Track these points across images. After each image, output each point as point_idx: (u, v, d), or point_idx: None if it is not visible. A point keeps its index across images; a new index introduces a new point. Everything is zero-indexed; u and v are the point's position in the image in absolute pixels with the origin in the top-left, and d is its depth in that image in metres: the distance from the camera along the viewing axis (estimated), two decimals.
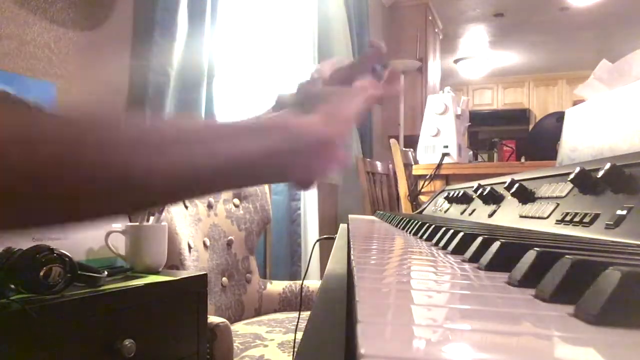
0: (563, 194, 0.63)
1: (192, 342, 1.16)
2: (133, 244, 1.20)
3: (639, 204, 0.47)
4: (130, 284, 1.03)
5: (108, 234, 1.16)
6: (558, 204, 0.62)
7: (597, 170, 0.54)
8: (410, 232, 0.70)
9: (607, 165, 0.52)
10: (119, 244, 1.20)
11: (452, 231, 0.48)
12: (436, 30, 4.96)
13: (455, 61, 6.71)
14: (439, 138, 2.86)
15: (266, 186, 1.93)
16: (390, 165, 3.10)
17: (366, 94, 0.48)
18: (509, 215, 0.78)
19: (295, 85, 0.51)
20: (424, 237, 0.58)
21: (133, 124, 0.37)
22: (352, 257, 0.38)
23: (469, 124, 3.23)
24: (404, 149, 3.05)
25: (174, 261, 1.40)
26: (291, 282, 1.98)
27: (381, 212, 1.61)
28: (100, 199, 0.34)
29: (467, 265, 0.36)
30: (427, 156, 2.87)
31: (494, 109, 7.24)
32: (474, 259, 0.37)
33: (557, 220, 0.60)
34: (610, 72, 1.02)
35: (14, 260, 0.82)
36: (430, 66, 4.62)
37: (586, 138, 0.89)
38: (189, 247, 1.50)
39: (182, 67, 1.72)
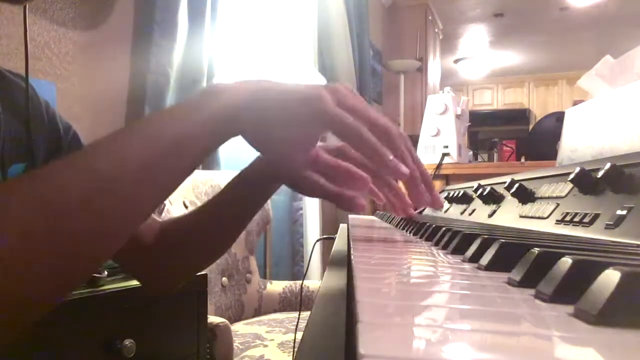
0: (563, 194, 0.63)
1: (192, 342, 1.16)
2: None
3: (639, 204, 0.47)
4: (131, 284, 1.03)
5: None
6: (558, 204, 0.62)
7: (597, 170, 0.54)
8: (410, 232, 0.70)
9: (607, 165, 0.52)
10: None
11: (452, 231, 0.48)
12: (436, 30, 4.96)
13: (455, 61, 6.72)
14: (439, 138, 2.86)
15: None
16: None
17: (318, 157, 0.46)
18: (509, 215, 0.78)
19: None
20: (424, 237, 0.58)
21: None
22: (352, 257, 0.38)
23: (469, 124, 3.23)
24: None
25: None
26: (291, 282, 1.98)
27: (381, 212, 1.61)
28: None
29: (467, 265, 0.36)
30: (427, 156, 2.87)
31: (494, 109, 7.24)
32: (474, 259, 0.37)
33: (557, 220, 0.60)
34: (612, 68, 1.02)
35: None
36: (430, 66, 4.62)
37: (586, 138, 0.89)
38: None
39: (182, 67, 1.73)
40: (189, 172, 0.41)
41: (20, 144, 0.65)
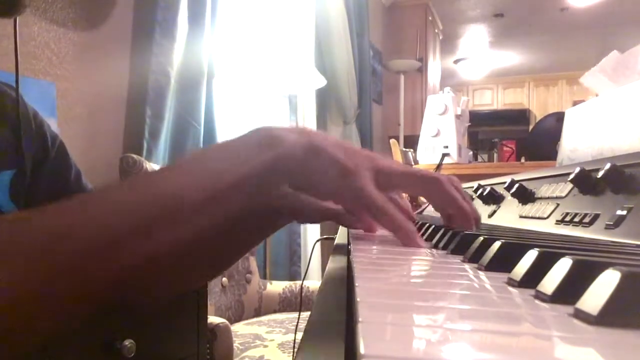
0: (563, 194, 0.63)
1: (192, 343, 1.16)
2: None
3: (639, 204, 0.47)
4: None
5: None
6: (558, 204, 0.62)
7: (597, 170, 0.54)
8: None
9: (607, 166, 0.52)
10: None
11: (452, 231, 0.48)
12: (436, 30, 4.96)
13: (455, 61, 6.72)
14: (439, 138, 2.86)
15: None
16: None
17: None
18: (509, 215, 0.78)
19: None
20: (424, 237, 0.58)
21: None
22: (352, 257, 0.38)
23: (469, 124, 3.23)
24: (404, 149, 3.05)
25: None
26: (291, 283, 1.98)
27: None
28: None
29: (467, 265, 0.36)
30: (427, 156, 2.87)
31: (494, 109, 7.24)
32: (474, 259, 0.37)
33: (557, 221, 0.60)
34: (615, 65, 1.01)
35: None
36: (430, 66, 4.62)
37: (586, 138, 0.89)
38: None
39: (182, 67, 1.73)
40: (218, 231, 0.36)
41: (9, 151, 0.65)
